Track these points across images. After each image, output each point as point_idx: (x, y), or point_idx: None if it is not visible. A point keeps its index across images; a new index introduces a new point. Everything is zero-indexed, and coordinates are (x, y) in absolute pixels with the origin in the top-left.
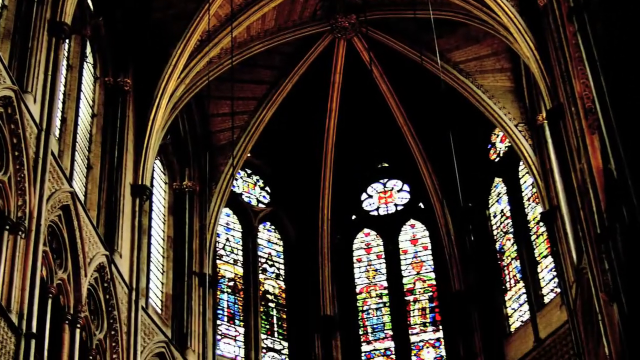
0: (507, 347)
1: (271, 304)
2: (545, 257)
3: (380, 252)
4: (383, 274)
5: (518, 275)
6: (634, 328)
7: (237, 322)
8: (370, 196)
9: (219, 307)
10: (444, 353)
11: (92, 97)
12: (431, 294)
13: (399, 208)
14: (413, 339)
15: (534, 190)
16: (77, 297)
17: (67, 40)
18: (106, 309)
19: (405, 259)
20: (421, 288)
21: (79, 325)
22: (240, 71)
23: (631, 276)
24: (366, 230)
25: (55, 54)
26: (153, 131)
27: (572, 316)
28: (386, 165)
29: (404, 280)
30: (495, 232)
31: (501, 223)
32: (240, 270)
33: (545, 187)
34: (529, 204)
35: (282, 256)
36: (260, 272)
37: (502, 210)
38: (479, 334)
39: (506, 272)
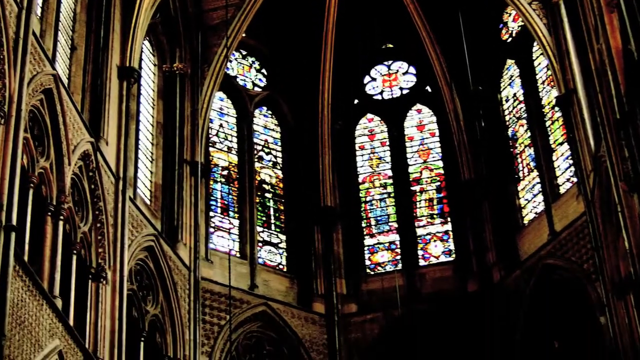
0: (520, 241)
1: (268, 195)
2: (561, 144)
3: (385, 139)
4: (387, 163)
5: (532, 164)
6: None
7: (231, 213)
8: (373, 79)
9: (212, 197)
10: (452, 247)
11: None
12: (439, 183)
13: (405, 92)
14: (419, 232)
15: (549, 72)
16: (60, 187)
17: None
18: (91, 200)
19: (411, 147)
20: (428, 177)
21: (62, 217)
22: None
23: None
24: (369, 116)
25: None
26: (141, 9)
27: (590, 207)
28: (391, 46)
29: (410, 169)
30: (507, 118)
31: (514, 108)
32: (234, 159)
33: (561, 70)
34: (544, 88)
35: (279, 143)
36: (256, 160)
37: (514, 94)
38: (490, 226)
39: (519, 160)
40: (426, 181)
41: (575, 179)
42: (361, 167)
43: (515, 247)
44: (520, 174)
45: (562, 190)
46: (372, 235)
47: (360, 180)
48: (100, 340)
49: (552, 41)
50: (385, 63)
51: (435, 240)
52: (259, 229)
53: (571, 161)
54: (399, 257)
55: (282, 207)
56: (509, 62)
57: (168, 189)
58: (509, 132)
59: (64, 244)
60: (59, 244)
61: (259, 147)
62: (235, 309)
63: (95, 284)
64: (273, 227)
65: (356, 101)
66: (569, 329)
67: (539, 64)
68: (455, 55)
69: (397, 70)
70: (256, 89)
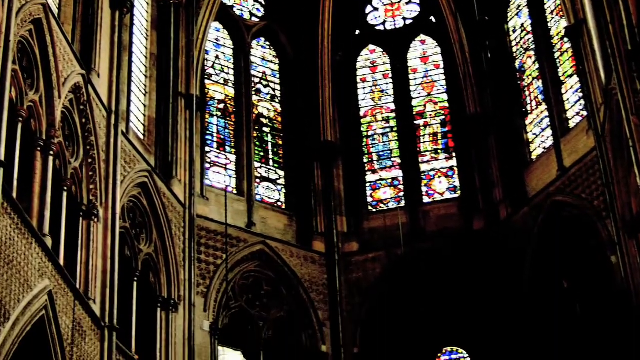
0: (528, 177)
1: (266, 129)
2: (570, 76)
3: (387, 70)
4: (390, 96)
5: (540, 97)
6: None
7: (227, 148)
8: (375, 9)
9: (208, 132)
10: (457, 183)
11: None
12: (443, 117)
13: (408, 22)
14: (423, 167)
15: (558, 2)
16: (50, 121)
17: None
18: (82, 135)
19: (415, 79)
20: (432, 111)
21: (52, 152)
22: None
23: None
24: (371, 47)
25: None
26: None
27: (600, 142)
28: None
29: (414, 103)
30: (514, 49)
31: (521, 39)
32: (231, 91)
33: None
34: (552, 18)
35: (277, 75)
36: (253, 93)
37: (522, 25)
38: (497, 162)
39: (527, 93)
40: (430, 115)
41: (585, 113)
42: (363, 100)
43: (523, 184)
44: (528, 108)
45: (571, 124)
46: (374, 171)
47: (361, 114)
48: (92, 281)
49: None
50: None
51: (439, 176)
52: (257, 164)
53: (581, 94)
54: (402, 193)
55: (280, 142)
56: None
57: (162, 123)
58: (517, 64)
59: (54, 180)
60: (49, 180)
61: (257, 80)
62: (231, 248)
63: (87, 221)
64: (271, 162)
65: (357, 32)
66: (579, 269)
67: None
68: None
69: (400, 0)
70: (254, 19)
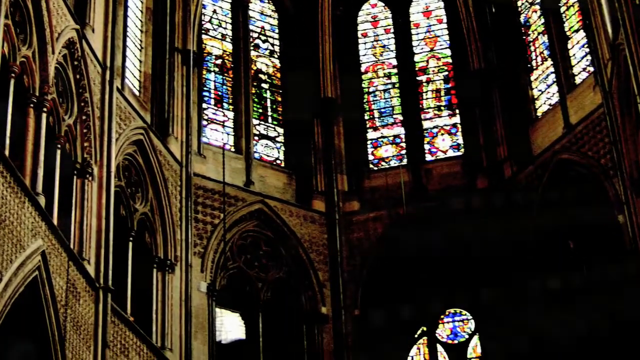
0: (533, 134)
1: (264, 85)
2: (577, 31)
3: (389, 25)
4: (392, 51)
5: (546, 52)
6: None
7: (225, 105)
8: None
9: (205, 88)
10: (461, 141)
11: None
12: (447, 73)
13: None
14: (426, 124)
15: None
16: (43, 77)
17: None
18: (76, 91)
19: (417, 34)
20: (435, 67)
21: (45, 109)
22: None
23: None
24: (372, 1)
25: None
26: None
27: (607, 99)
28: None
29: (416, 58)
30: (519, 3)
31: None
32: (229, 47)
33: None
34: None
35: (276, 30)
36: (251, 48)
37: None
38: (501, 119)
39: (532, 48)
40: (433, 71)
41: (591, 69)
42: (364, 55)
43: (528, 141)
44: (534, 63)
45: (577, 80)
46: (375, 129)
47: (362, 69)
48: (86, 241)
49: None
50: None
51: (442, 134)
52: (255, 121)
53: (587, 49)
54: (404, 151)
55: (279, 99)
56: None
57: (158, 79)
58: (522, 18)
59: (47, 137)
60: (42, 138)
61: (255, 35)
62: (229, 207)
63: (81, 180)
64: (270, 119)
65: None
66: (585, 229)
67: None
68: None
69: None
70: None
